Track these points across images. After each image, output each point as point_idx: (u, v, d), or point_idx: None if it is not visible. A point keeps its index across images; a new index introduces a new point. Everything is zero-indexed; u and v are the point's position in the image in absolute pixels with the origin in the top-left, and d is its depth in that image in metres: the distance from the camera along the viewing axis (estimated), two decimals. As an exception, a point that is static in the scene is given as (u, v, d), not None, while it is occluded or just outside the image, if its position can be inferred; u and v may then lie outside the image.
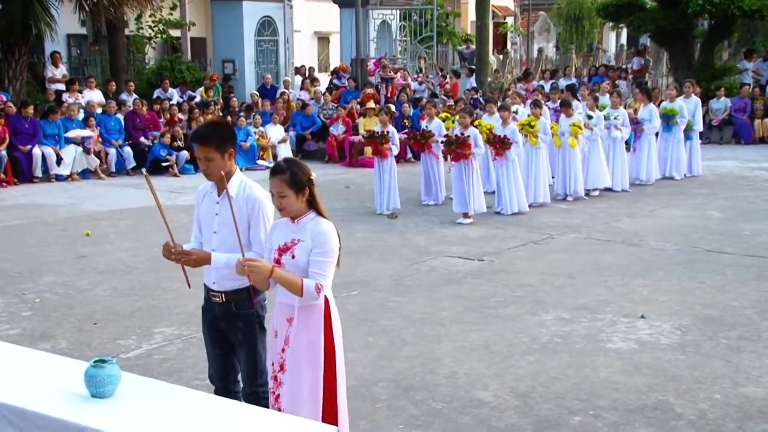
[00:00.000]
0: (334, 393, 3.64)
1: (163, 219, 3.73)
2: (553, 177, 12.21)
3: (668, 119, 13.44)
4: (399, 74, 19.87)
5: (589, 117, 12.05)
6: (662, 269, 7.82)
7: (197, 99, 17.70)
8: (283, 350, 3.67)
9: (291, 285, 3.55)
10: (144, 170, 3.84)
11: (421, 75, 20.60)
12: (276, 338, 3.72)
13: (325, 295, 3.63)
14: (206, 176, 3.89)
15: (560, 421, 4.55)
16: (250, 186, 3.87)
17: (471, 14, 31.47)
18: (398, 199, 11.04)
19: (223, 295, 3.88)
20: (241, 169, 4.02)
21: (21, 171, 13.91)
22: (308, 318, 3.61)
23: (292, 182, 3.55)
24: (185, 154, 15.10)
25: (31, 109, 14.13)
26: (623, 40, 36.10)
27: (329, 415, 3.60)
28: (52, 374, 3.39)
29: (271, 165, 15.88)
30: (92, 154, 14.57)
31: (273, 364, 3.73)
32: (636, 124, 13.09)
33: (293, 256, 3.59)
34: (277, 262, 3.60)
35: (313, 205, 3.63)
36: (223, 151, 3.80)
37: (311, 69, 22.47)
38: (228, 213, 3.66)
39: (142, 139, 15.36)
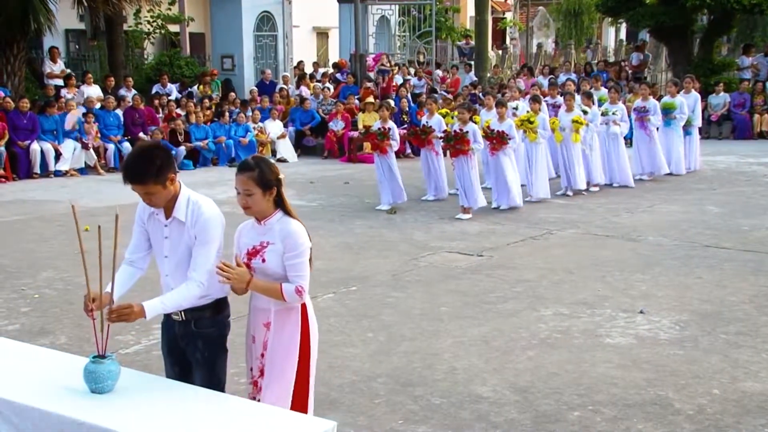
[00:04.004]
0: (305, 396, 3.54)
1: (83, 264, 3.39)
2: (558, 175, 12.18)
3: (667, 113, 13.43)
4: (396, 68, 19.83)
5: (585, 112, 11.98)
6: (660, 264, 7.83)
7: (195, 96, 17.66)
8: (262, 355, 3.55)
9: (270, 292, 3.45)
10: (70, 202, 3.63)
11: (419, 70, 20.58)
12: (254, 343, 3.60)
13: None
14: (151, 207, 3.57)
15: (559, 416, 4.56)
16: (200, 205, 3.48)
17: (470, 9, 31.45)
18: (404, 194, 11.00)
19: (182, 313, 3.54)
20: None
21: (20, 167, 13.91)
22: (285, 321, 3.52)
23: (259, 180, 3.41)
24: (183, 149, 15.10)
25: (26, 102, 14.11)
26: (622, 35, 36.12)
27: None
28: (51, 370, 3.40)
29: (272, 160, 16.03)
30: (91, 150, 14.57)
31: (252, 370, 3.61)
32: (644, 112, 13.00)
33: (264, 260, 3.46)
34: (247, 266, 3.47)
35: (280, 205, 3.50)
36: (164, 180, 3.41)
37: (315, 64, 22.40)
38: (179, 236, 3.48)
39: (141, 134, 15.34)
